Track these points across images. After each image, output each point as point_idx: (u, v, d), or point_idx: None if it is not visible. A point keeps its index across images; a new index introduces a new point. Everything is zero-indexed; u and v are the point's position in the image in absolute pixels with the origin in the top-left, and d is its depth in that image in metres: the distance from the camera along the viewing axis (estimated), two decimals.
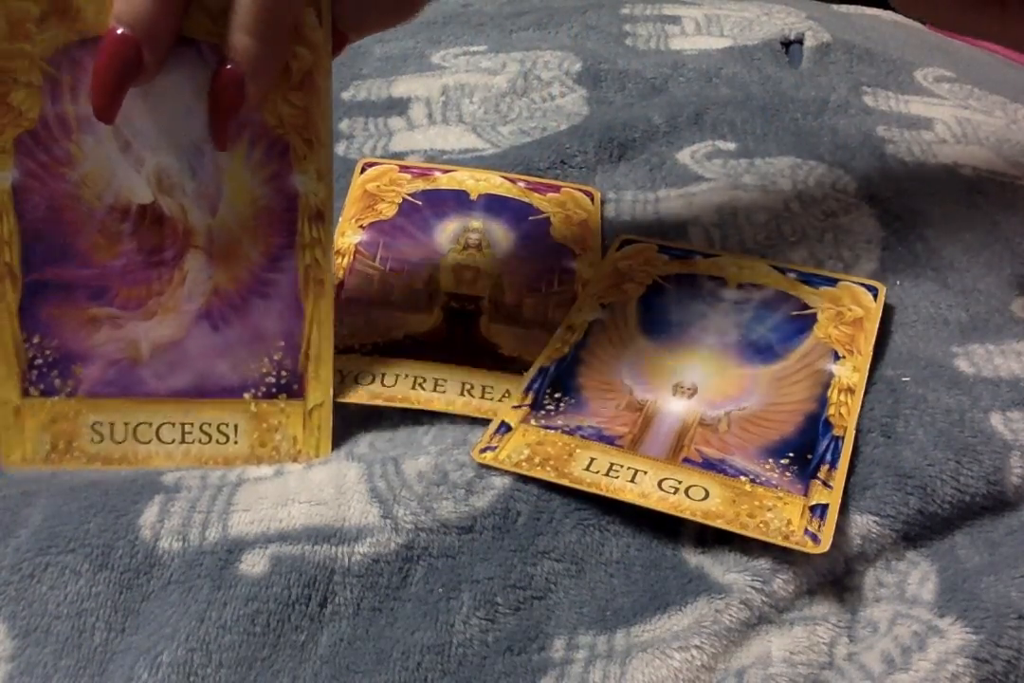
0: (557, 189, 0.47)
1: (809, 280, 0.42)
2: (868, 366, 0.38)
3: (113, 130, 0.32)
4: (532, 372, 0.37)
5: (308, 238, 0.34)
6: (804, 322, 0.40)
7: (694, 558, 0.32)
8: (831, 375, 0.37)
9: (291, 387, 0.35)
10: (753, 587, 0.31)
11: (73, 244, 0.34)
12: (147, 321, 0.34)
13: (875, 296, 0.41)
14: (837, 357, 0.38)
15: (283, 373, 0.35)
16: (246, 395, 0.35)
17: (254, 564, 0.31)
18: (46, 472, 0.34)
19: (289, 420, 0.35)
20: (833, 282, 0.41)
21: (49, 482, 0.34)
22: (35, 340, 0.34)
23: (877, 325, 0.39)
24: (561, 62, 0.57)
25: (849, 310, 0.40)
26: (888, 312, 0.41)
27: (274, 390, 0.35)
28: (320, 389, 0.35)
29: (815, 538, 0.31)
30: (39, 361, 0.34)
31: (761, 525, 0.32)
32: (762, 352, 0.38)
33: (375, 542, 0.32)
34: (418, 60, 0.58)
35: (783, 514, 0.32)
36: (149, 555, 0.32)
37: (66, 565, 0.31)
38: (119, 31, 0.29)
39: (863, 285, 0.41)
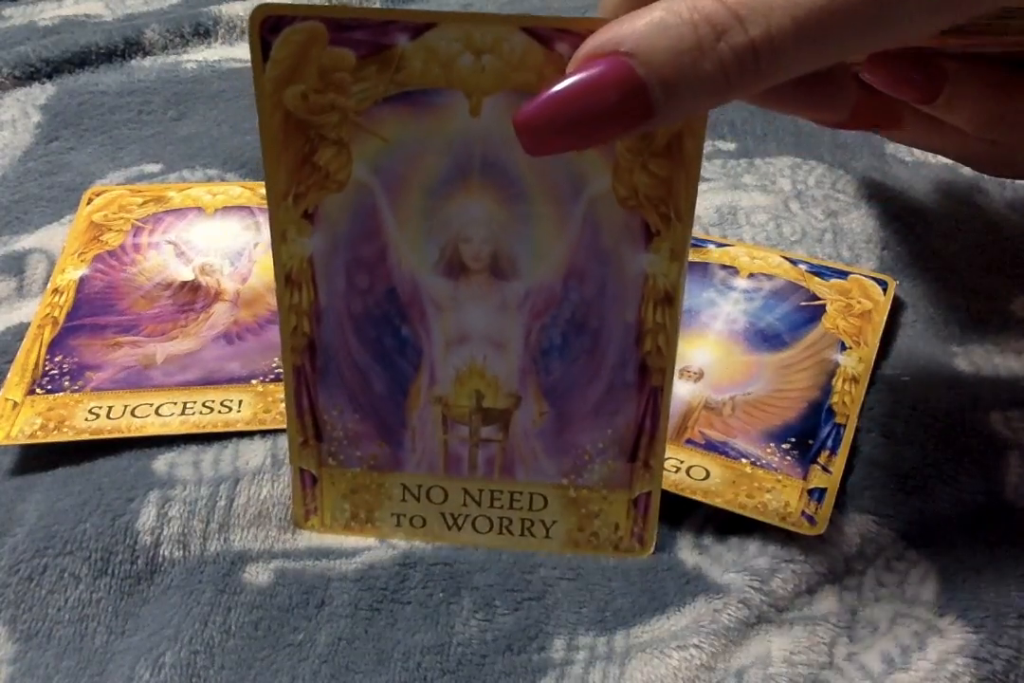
0: None
1: (820, 272, 0.42)
2: (874, 357, 0.38)
3: (172, 246, 0.41)
4: None
5: None
6: (813, 312, 0.40)
7: (692, 559, 0.32)
8: (836, 364, 0.37)
9: None
10: (752, 587, 0.31)
11: (117, 305, 0.39)
12: (167, 342, 0.38)
13: (884, 290, 0.41)
14: (844, 348, 0.38)
15: None
16: (253, 381, 0.36)
17: (257, 574, 0.31)
18: (38, 461, 0.35)
19: None
20: (844, 275, 0.42)
21: (41, 472, 0.34)
22: (57, 359, 0.37)
23: (885, 318, 0.40)
24: None
25: (858, 303, 0.40)
26: (897, 306, 0.41)
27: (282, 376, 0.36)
28: None
29: (811, 520, 0.32)
30: (54, 371, 0.36)
31: (759, 505, 0.32)
32: (769, 340, 0.39)
33: (371, 552, 0.32)
34: None
35: (782, 496, 0.32)
36: (150, 562, 0.32)
37: (64, 568, 0.31)
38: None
39: (873, 278, 0.42)
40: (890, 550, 0.33)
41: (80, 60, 0.55)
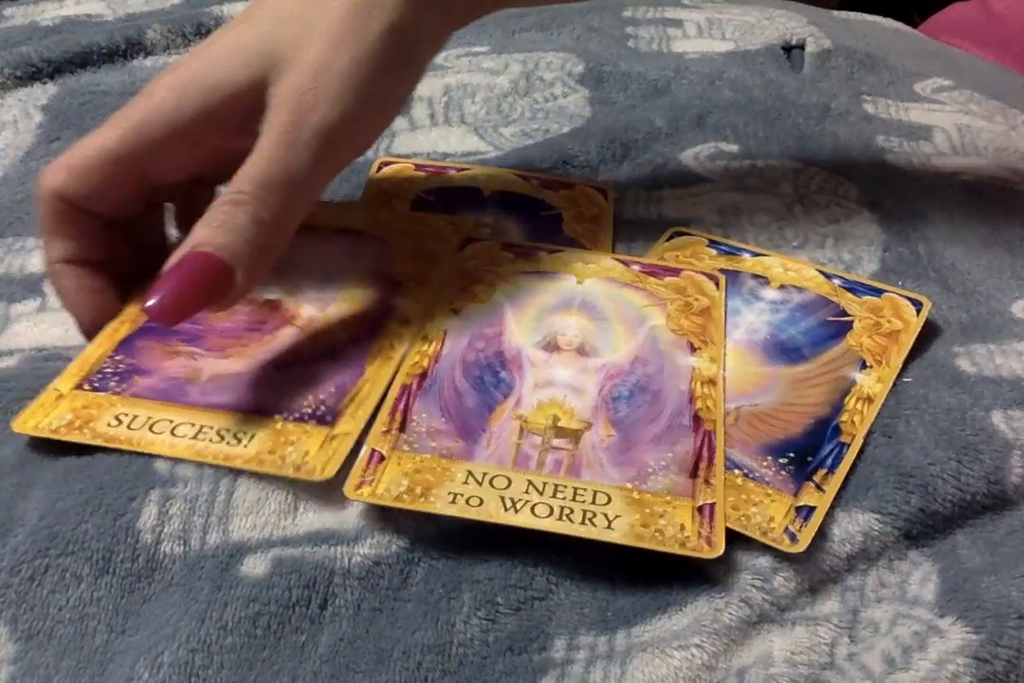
0: (571, 186, 0.47)
1: (853, 288, 0.41)
2: (893, 378, 0.37)
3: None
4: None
5: (392, 332, 0.38)
6: (839, 328, 0.39)
7: None
8: (853, 383, 0.37)
9: (324, 418, 0.35)
10: (753, 586, 0.31)
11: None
12: (221, 360, 0.37)
13: (918, 310, 0.40)
14: (864, 366, 0.38)
15: (321, 408, 0.35)
16: (276, 416, 0.35)
17: (255, 566, 0.31)
18: (40, 457, 0.34)
19: (309, 439, 0.34)
20: (878, 292, 0.41)
21: (42, 469, 0.34)
22: (118, 357, 0.37)
23: (913, 339, 0.39)
24: (563, 63, 0.57)
25: (888, 322, 0.40)
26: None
27: (306, 417, 0.35)
28: (352, 423, 0.35)
29: (793, 538, 0.31)
30: (109, 370, 0.36)
31: (743, 518, 0.32)
32: (788, 353, 0.38)
33: (375, 543, 0.32)
34: None
35: (767, 510, 0.32)
36: (150, 559, 0.32)
37: (66, 568, 0.31)
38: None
39: (908, 298, 0.41)
40: (892, 550, 0.33)
41: (82, 60, 0.55)
